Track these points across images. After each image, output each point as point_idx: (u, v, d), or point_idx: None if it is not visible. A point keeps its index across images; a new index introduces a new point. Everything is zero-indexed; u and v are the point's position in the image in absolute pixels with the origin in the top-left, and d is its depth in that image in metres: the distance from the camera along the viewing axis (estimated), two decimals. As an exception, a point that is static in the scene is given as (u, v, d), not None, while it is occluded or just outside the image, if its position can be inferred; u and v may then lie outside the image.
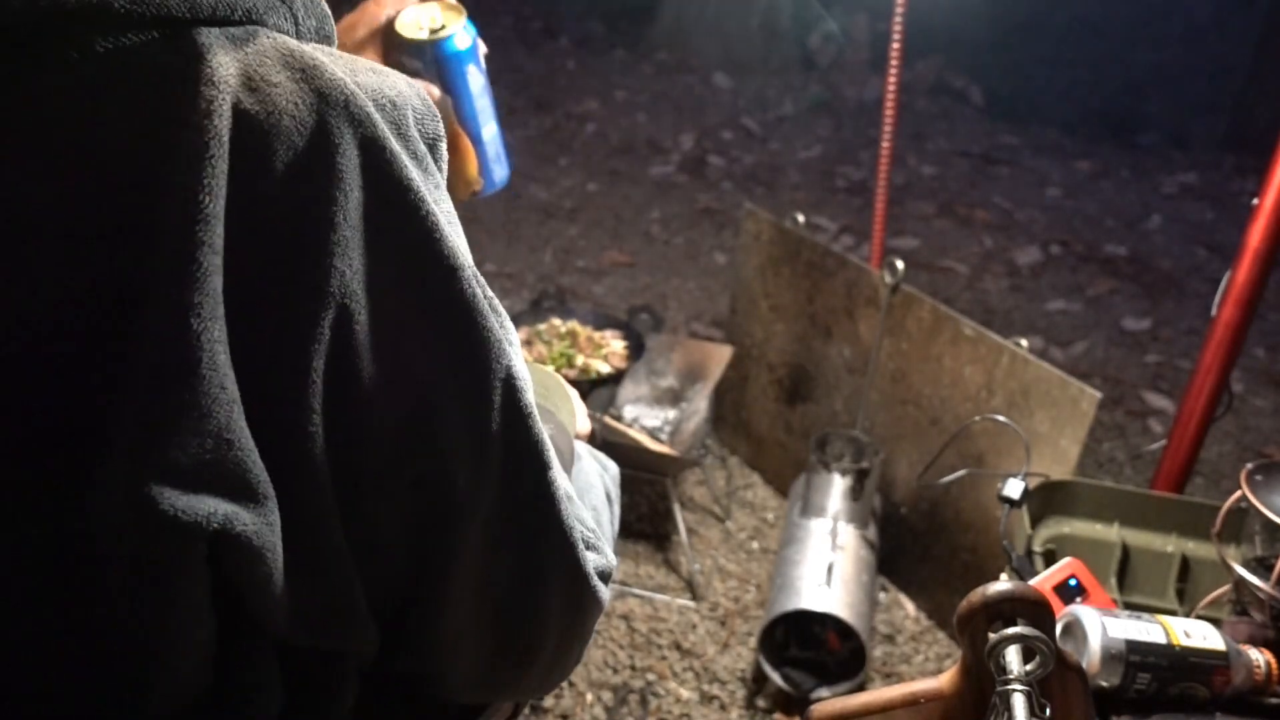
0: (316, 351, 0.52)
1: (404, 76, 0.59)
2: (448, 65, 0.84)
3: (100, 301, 0.48)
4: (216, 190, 0.48)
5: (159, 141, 0.48)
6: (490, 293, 0.59)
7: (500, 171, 0.93)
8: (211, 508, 0.50)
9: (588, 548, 0.70)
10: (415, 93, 0.58)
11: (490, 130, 0.90)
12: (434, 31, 0.83)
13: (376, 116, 0.53)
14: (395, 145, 0.54)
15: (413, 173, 0.54)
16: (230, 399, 0.50)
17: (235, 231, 0.49)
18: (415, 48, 0.83)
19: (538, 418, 0.62)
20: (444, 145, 0.60)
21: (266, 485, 0.52)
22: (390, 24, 0.84)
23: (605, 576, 0.73)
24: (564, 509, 0.65)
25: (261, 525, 0.52)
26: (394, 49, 0.84)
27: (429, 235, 0.54)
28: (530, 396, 0.61)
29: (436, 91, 0.84)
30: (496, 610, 0.66)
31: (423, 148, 0.57)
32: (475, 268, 0.58)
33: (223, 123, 0.48)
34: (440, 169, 0.60)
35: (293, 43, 0.53)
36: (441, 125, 0.60)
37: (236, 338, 0.50)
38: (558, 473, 0.65)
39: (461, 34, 0.83)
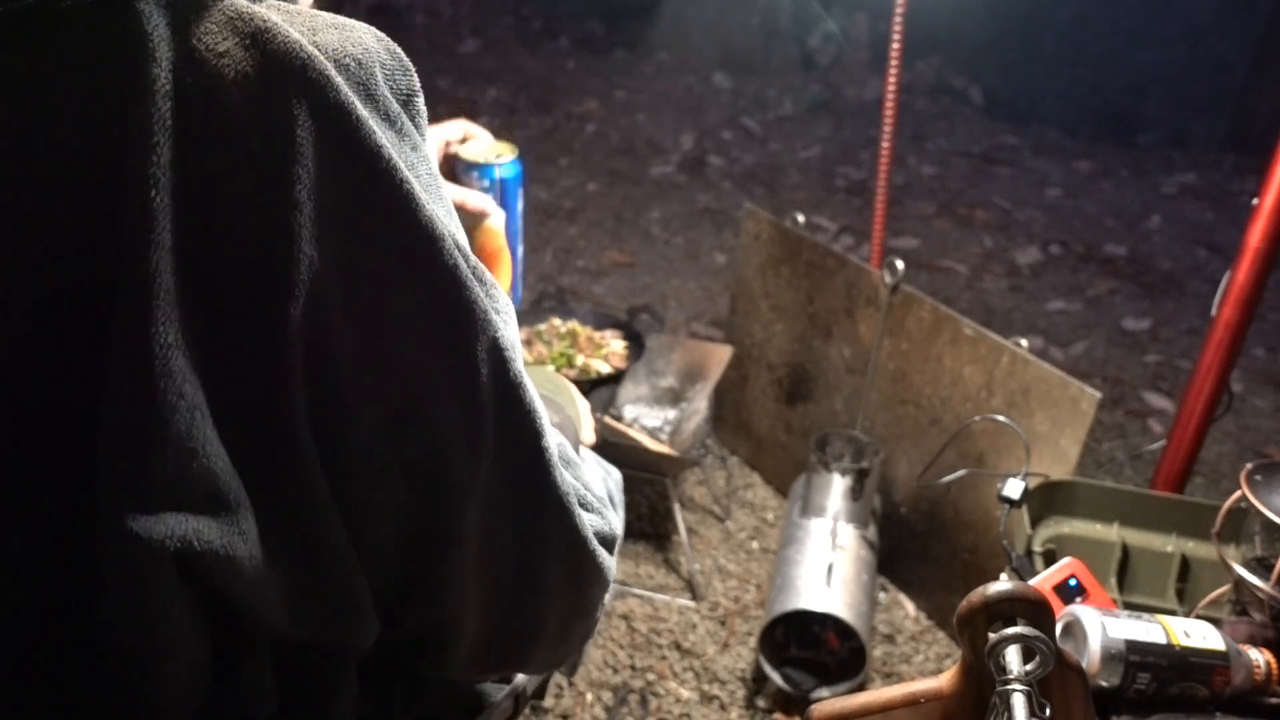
0: (293, 342, 0.49)
1: (371, 30, 0.55)
2: (508, 185, 0.98)
3: (80, 310, 0.46)
4: (163, 182, 0.44)
5: (104, 134, 0.45)
6: (475, 260, 0.56)
7: (520, 291, 1.04)
8: (170, 528, 0.47)
9: (588, 509, 0.69)
10: (384, 47, 0.54)
11: (520, 251, 1.02)
12: (498, 156, 0.98)
13: (339, 80, 0.48)
14: (361, 110, 0.49)
15: (381, 139, 0.50)
16: (190, 406, 0.46)
17: (191, 222, 0.46)
18: (485, 169, 0.97)
19: (529, 386, 0.60)
20: (420, 100, 0.56)
21: (237, 493, 0.49)
22: (455, 153, 0.98)
23: (608, 542, 0.70)
24: (558, 475, 0.63)
25: (231, 537, 0.49)
26: (461, 172, 0.97)
27: (404, 206, 0.50)
28: (520, 365, 0.59)
29: (500, 213, 0.94)
30: (497, 585, 0.65)
31: (395, 106, 0.53)
32: (459, 235, 0.55)
33: (166, 105, 0.44)
34: (418, 126, 0.56)
35: (240, 1, 0.49)
36: (416, 80, 0.56)
37: (206, 335, 0.47)
38: (551, 439, 0.62)
39: (516, 163, 0.99)
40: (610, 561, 0.71)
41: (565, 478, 0.64)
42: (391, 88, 0.53)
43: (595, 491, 0.72)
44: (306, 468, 0.52)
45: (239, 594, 0.52)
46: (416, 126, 0.56)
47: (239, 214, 0.47)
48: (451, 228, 0.54)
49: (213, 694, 0.55)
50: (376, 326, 0.52)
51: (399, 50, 0.55)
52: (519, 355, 0.59)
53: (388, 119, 0.52)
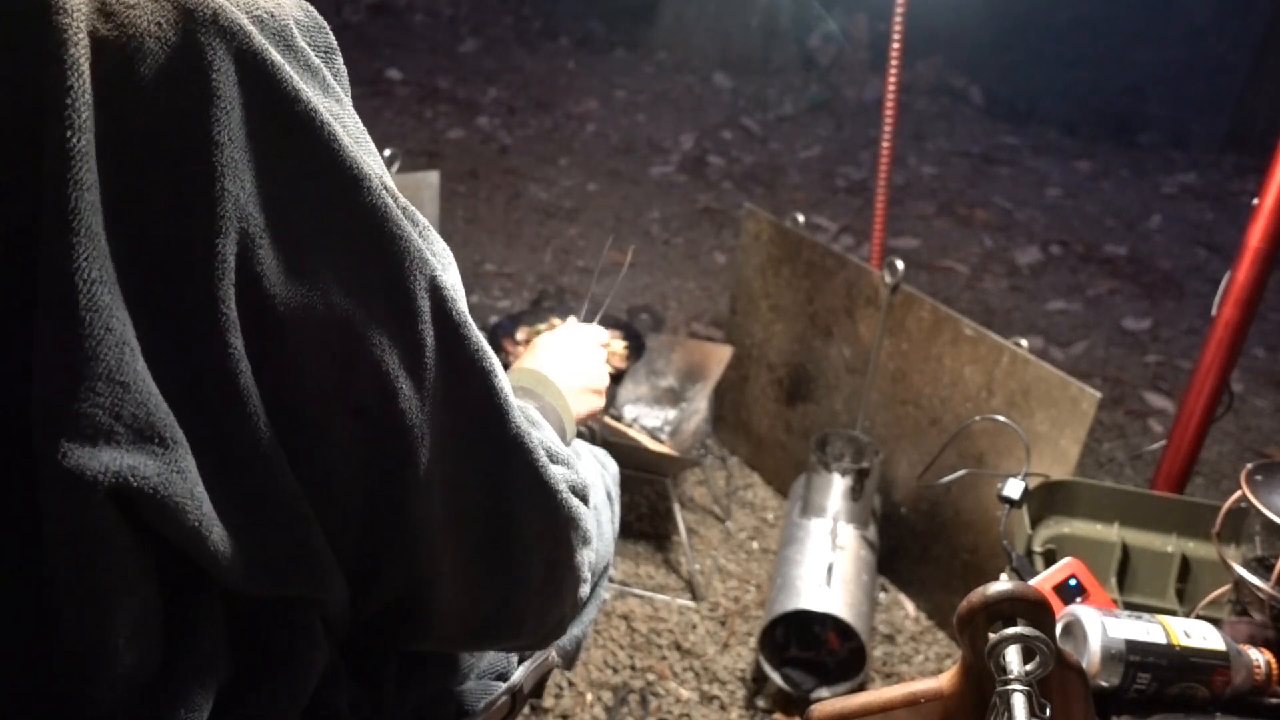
0: (223, 282, 0.49)
1: None
2: None
3: (12, 256, 0.47)
4: (80, 125, 0.45)
5: (23, 83, 0.46)
6: (406, 202, 0.56)
7: None
8: (104, 463, 0.47)
9: (553, 461, 0.68)
10: (296, 3, 0.55)
11: None
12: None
13: (251, 28, 0.50)
14: (277, 57, 0.50)
15: (300, 84, 0.51)
16: (119, 340, 0.47)
17: (116, 166, 0.47)
18: None
19: (474, 329, 0.60)
20: (339, 60, 0.57)
21: (173, 431, 0.49)
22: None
23: (580, 492, 0.70)
24: (517, 419, 0.62)
25: (169, 474, 0.49)
26: None
27: (325, 148, 0.52)
28: (463, 307, 0.59)
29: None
30: (472, 539, 0.64)
31: (315, 60, 0.54)
32: (386, 178, 0.55)
33: (80, 52, 0.45)
34: (341, 83, 0.57)
35: None
36: (333, 38, 0.57)
37: (135, 274, 0.48)
38: (503, 381, 0.62)
39: None
40: (585, 510, 0.70)
41: (528, 428, 0.64)
42: (309, 42, 0.55)
43: (555, 443, 0.71)
44: (248, 411, 0.52)
45: (185, 539, 0.51)
46: (341, 84, 0.57)
47: (164, 156, 0.48)
48: (379, 171, 0.55)
49: (164, 668, 0.54)
50: (306, 265, 0.52)
51: (314, 10, 0.57)
52: (460, 298, 0.59)
53: (308, 69, 0.54)
